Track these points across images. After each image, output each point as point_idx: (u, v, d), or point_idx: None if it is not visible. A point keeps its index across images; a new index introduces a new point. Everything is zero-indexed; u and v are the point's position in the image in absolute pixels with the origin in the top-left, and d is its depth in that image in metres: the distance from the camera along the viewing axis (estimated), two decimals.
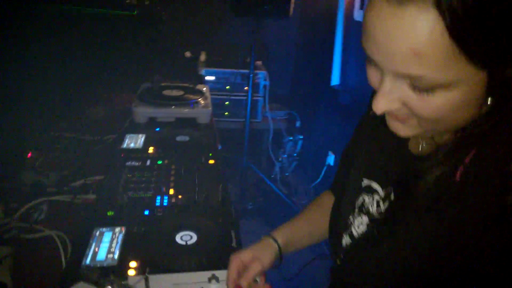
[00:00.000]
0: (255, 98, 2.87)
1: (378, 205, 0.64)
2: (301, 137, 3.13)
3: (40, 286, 0.85)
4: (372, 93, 0.69)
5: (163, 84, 1.91)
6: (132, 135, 1.52)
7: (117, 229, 0.96)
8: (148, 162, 1.31)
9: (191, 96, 1.76)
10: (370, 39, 0.45)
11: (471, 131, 0.49)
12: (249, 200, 2.92)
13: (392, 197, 0.61)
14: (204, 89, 1.92)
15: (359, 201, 0.67)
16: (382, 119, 0.55)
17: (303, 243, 0.84)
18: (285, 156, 3.17)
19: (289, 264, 0.79)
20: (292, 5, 2.03)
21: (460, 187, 0.49)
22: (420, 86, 0.45)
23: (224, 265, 0.85)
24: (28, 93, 1.45)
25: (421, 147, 0.59)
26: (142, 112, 1.64)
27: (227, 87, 2.90)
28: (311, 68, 3.16)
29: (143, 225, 0.98)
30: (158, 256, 0.88)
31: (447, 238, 0.51)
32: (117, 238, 0.93)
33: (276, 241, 0.79)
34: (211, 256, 0.89)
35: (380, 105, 0.49)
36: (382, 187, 0.64)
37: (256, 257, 0.75)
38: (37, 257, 0.90)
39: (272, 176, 3.18)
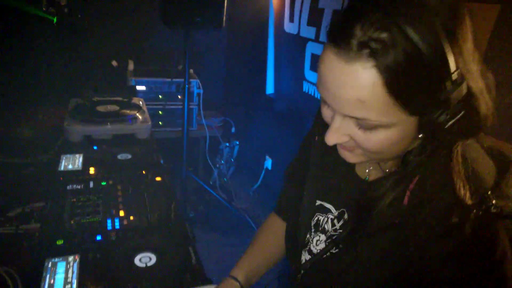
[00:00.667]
0: (189, 106, 2.87)
1: (333, 224, 0.72)
2: (237, 142, 3.20)
3: None
4: (315, 118, 0.77)
5: (95, 99, 1.84)
6: (68, 155, 1.45)
7: (71, 258, 0.93)
8: (91, 184, 1.27)
9: (128, 112, 1.73)
10: (323, 86, 0.54)
11: (411, 160, 0.58)
12: (190, 209, 2.92)
13: (346, 216, 0.69)
14: (141, 102, 1.89)
15: (313, 220, 0.75)
16: (331, 146, 0.63)
17: (262, 272, 0.88)
18: (223, 162, 3.21)
19: None
20: (224, 17, 2.08)
21: (408, 209, 0.59)
22: (364, 126, 0.55)
23: (186, 284, 0.88)
24: None
25: (368, 172, 0.69)
26: (77, 131, 1.57)
27: (160, 96, 2.87)
28: (245, 77, 3.24)
29: (98, 251, 0.96)
30: (119, 282, 0.87)
31: (400, 254, 0.59)
32: (72, 267, 0.90)
33: (237, 279, 0.82)
34: (172, 275, 0.91)
35: (331, 139, 0.58)
36: (335, 207, 0.72)
37: None
38: None
39: (211, 183, 3.20)
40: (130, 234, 1.05)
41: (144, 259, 0.95)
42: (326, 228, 0.72)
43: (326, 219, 0.73)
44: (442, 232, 0.55)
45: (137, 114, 1.72)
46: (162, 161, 1.60)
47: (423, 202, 0.57)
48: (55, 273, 0.88)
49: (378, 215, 0.61)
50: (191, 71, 3.02)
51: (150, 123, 1.70)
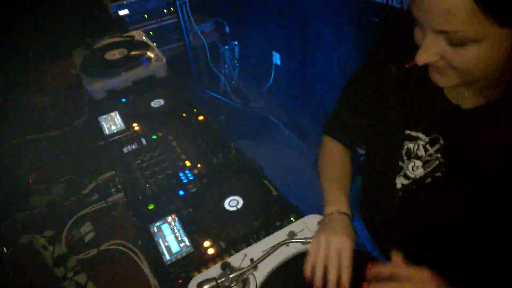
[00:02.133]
0: (176, 20, 2.72)
1: (426, 149, 0.75)
2: (236, 43, 3.09)
3: None
4: (383, 48, 0.76)
5: (96, 46, 1.75)
6: (104, 116, 1.46)
7: (169, 219, 1.03)
8: (144, 141, 1.31)
9: (138, 52, 1.66)
10: (416, 2, 0.55)
11: None
12: (213, 121, 2.99)
13: (442, 142, 0.72)
14: (144, 37, 1.80)
15: (404, 149, 0.78)
16: (414, 74, 0.63)
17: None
18: (226, 66, 3.16)
19: None
20: None
21: None
22: (454, 41, 0.55)
23: (278, 214, 0.99)
24: None
25: (460, 97, 0.69)
26: (100, 88, 1.55)
27: (146, 15, 2.68)
28: None
29: (188, 205, 1.06)
30: (221, 228, 0.98)
31: (504, 191, 0.62)
32: (175, 226, 1.01)
33: (348, 215, 0.81)
34: (264, 210, 1.01)
35: (422, 57, 0.59)
36: (425, 133, 0.74)
37: (342, 248, 0.72)
38: (115, 270, 0.97)
39: (221, 89, 3.21)
40: (206, 182, 1.13)
41: (233, 203, 1.05)
42: (419, 154, 0.76)
43: (417, 146, 0.76)
44: None
45: (148, 53, 1.66)
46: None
47: None
48: (164, 236, 0.99)
49: (481, 147, 0.63)
50: None
51: (164, 59, 1.65)
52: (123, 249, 0.98)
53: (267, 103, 3.09)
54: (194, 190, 1.11)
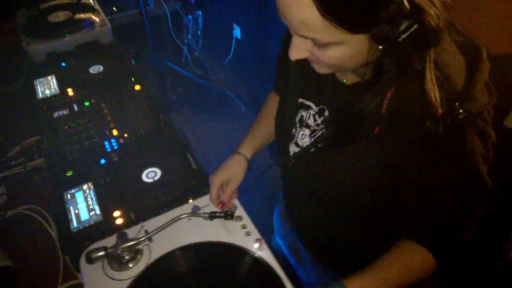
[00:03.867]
0: None
1: (314, 119, 0.81)
2: (200, 13, 3.03)
3: (40, 257, 0.95)
4: None
5: (41, 6, 1.69)
6: (40, 79, 1.43)
7: (85, 187, 1.04)
8: (76, 107, 1.30)
9: (83, 16, 1.62)
10: (278, 9, 0.58)
11: (386, 68, 0.61)
12: (170, 93, 2.97)
13: (326, 114, 0.78)
14: (92, 1, 1.74)
15: (298, 116, 0.84)
16: None
17: (264, 146, 1.01)
18: (190, 36, 3.10)
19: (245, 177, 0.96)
20: None
21: (388, 118, 0.66)
22: (318, 44, 0.60)
23: (192, 189, 1.02)
24: None
25: (345, 75, 0.75)
26: (39, 50, 1.51)
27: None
28: None
29: (106, 174, 1.07)
30: (133, 198, 1.00)
31: (381, 163, 0.69)
32: (89, 195, 1.02)
33: (244, 156, 0.95)
34: (180, 184, 1.04)
35: (292, 55, 0.64)
36: (315, 104, 0.80)
37: (231, 176, 0.92)
38: (23, 235, 0.98)
39: (183, 60, 3.16)
40: (129, 151, 1.14)
41: (151, 175, 1.06)
42: (309, 123, 0.82)
43: (308, 115, 0.82)
44: (418, 140, 0.63)
45: (93, 17, 1.62)
46: (133, 62, 1.58)
47: (400, 111, 0.64)
48: (76, 203, 1.00)
49: (359, 118, 0.68)
50: None
51: (109, 24, 1.61)
52: (32, 214, 0.99)
53: (227, 77, 3.08)
54: (116, 159, 1.12)
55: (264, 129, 1.01)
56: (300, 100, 0.84)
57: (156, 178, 1.06)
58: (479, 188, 0.67)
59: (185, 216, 0.84)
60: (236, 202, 0.93)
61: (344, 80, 0.75)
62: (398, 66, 0.61)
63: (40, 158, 1.15)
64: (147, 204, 0.99)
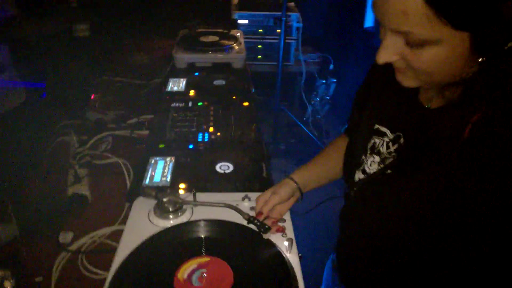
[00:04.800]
0: (287, 41, 2.92)
1: (388, 147, 0.75)
2: (334, 80, 3.19)
3: (111, 199, 1.08)
4: None
5: (199, 30, 2.03)
6: (174, 79, 1.69)
7: (168, 159, 1.16)
8: (190, 104, 1.49)
9: (226, 42, 1.89)
10: (375, 3, 0.57)
11: (475, 88, 0.57)
12: (281, 141, 3.10)
13: (402, 140, 0.72)
14: (238, 34, 2.02)
15: (370, 143, 0.78)
16: (393, 70, 0.65)
17: (321, 182, 0.96)
18: (318, 99, 3.26)
19: (306, 203, 0.92)
20: None
21: (468, 143, 0.58)
22: (412, 42, 0.56)
23: (255, 189, 1.04)
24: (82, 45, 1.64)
25: (430, 99, 0.69)
26: (182, 58, 1.79)
27: (260, 30, 2.97)
28: (343, 9, 3.13)
29: (189, 156, 1.18)
30: (202, 180, 1.08)
31: (453, 191, 0.60)
32: (169, 165, 1.13)
33: (294, 180, 0.91)
34: (244, 182, 1.08)
35: (381, 57, 0.61)
36: (391, 131, 0.75)
37: (274, 192, 0.87)
38: (106, 178, 1.13)
39: (305, 119, 3.31)
40: (215, 146, 1.24)
41: (223, 167, 1.13)
42: (381, 151, 0.76)
43: (382, 142, 0.76)
44: (501, 170, 0.54)
45: (234, 45, 1.87)
46: (253, 90, 1.75)
47: (485, 137, 0.56)
48: (156, 168, 1.12)
49: (435, 144, 0.62)
50: (292, 4, 3.03)
51: (244, 53, 1.84)
52: (120, 163, 1.14)
53: None
54: (201, 148, 1.23)
55: (322, 164, 0.96)
56: (376, 126, 0.78)
57: (227, 171, 1.12)
58: None
59: (228, 207, 0.85)
60: (288, 223, 0.88)
61: (429, 106, 0.69)
62: (492, 87, 0.55)
63: (146, 130, 1.33)
64: (209, 187, 1.05)
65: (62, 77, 1.45)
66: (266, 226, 0.79)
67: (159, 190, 0.87)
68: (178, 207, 0.85)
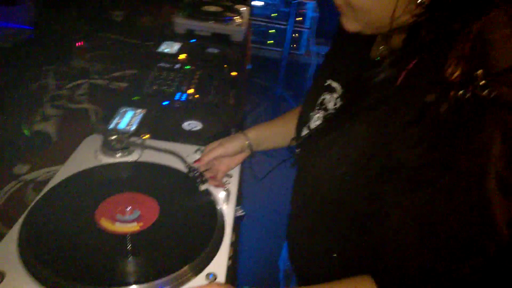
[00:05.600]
0: (300, 29, 2.88)
1: (335, 103, 0.73)
2: None
3: (75, 141, 1.07)
4: None
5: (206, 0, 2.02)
6: (168, 42, 1.67)
7: (139, 110, 1.15)
8: (177, 66, 1.47)
9: (228, 14, 1.86)
10: None
11: (415, 33, 0.54)
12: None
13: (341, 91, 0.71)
14: (244, 9, 2.00)
15: (320, 99, 0.77)
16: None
17: (276, 143, 0.94)
18: None
19: (262, 166, 0.90)
20: None
21: (398, 90, 0.56)
22: None
23: None
24: None
25: (378, 52, 0.66)
26: (181, 24, 1.78)
27: (274, 14, 2.93)
28: None
29: (160, 112, 1.17)
30: (166, 134, 1.06)
31: (378, 136, 0.58)
32: (137, 116, 1.12)
33: (246, 136, 0.89)
34: (208, 142, 1.05)
35: None
36: (342, 86, 0.73)
37: (221, 144, 0.86)
38: (75, 122, 1.12)
39: None
40: (189, 106, 1.22)
41: (192, 125, 1.11)
42: (328, 107, 0.74)
43: (330, 97, 0.74)
44: (416, 112, 0.52)
45: (236, 18, 1.84)
46: (250, 66, 1.73)
47: (415, 83, 0.54)
48: (123, 117, 1.11)
49: (369, 94, 0.60)
50: None
51: (244, 27, 1.81)
52: (90, 107, 1.14)
53: None
54: (176, 106, 1.21)
55: (280, 126, 0.94)
56: (328, 82, 0.76)
57: (193, 129, 1.10)
58: (482, 223, 0.51)
59: (173, 154, 0.84)
60: (234, 178, 0.87)
61: (378, 59, 0.66)
62: (436, 31, 0.51)
63: (124, 83, 1.32)
64: (171, 141, 1.03)
65: (52, 23, 1.45)
66: (204, 178, 0.77)
67: (111, 129, 0.85)
68: (124, 146, 0.83)
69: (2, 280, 0.55)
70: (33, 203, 0.69)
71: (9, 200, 0.90)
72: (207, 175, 0.80)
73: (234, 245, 0.80)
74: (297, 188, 0.84)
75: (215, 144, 0.85)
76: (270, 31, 2.96)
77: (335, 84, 0.75)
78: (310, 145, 0.74)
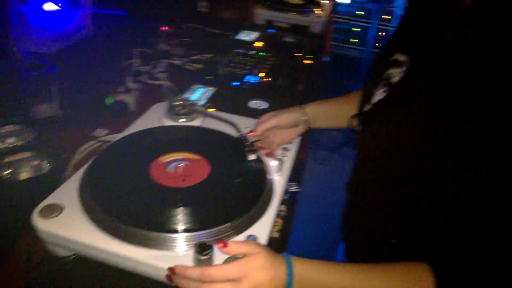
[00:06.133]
0: (387, 27, 2.75)
1: (401, 78, 0.66)
2: None
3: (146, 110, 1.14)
4: None
5: None
6: (247, 31, 1.71)
7: (210, 88, 1.19)
8: (252, 52, 1.50)
9: (308, 5, 1.84)
10: None
11: None
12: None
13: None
14: (326, 2, 1.96)
15: (385, 75, 0.69)
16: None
17: (336, 120, 0.88)
18: None
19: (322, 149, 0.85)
20: None
21: (468, 52, 0.50)
22: None
23: None
24: None
25: (451, 13, 0.58)
26: (261, 14, 1.81)
27: (359, 12, 2.84)
28: None
29: (230, 91, 1.20)
30: (232, 110, 1.07)
31: (446, 103, 0.52)
32: (207, 93, 1.16)
33: (303, 109, 0.85)
34: None
35: None
36: (410, 58, 0.65)
37: (276, 115, 0.84)
38: (152, 96, 1.20)
39: None
40: (258, 89, 1.23)
41: (257, 104, 1.12)
42: (393, 81, 0.67)
43: (396, 72, 0.67)
44: (489, 76, 0.46)
45: (315, 10, 1.82)
46: (327, 59, 1.69)
47: (488, 44, 0.48)
48: (194, 92, 1.15)
49: (436, 58, 0.54)
50: None
51: (323, 19, 1.78)
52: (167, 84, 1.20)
53: None
54: (246, 87, 1.23)
55: (341, 103, 0.88)
56: (395, 56, 0.68)
57: (258, 108, 1.10)
58: None
59: (231, 124, 0.85)
60: (291, 152, 0.83)
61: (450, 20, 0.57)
62: None
63: (200, 64, 1.38)
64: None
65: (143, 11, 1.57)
66: (254, 148, 0.76)
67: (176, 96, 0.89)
68: (188, 112, 0.86)
69: (60, 213, 0.60)
70: (99, 153, 0.74)
71: (87, 156, 0.99)
72: (260, 145, 0.79)
73: (285, 219, 0.78)
74: (357, 171, 0.79)
75: (269, 114, 0.84)
76: (354, 29, 2.86)
77: (402, 58, 0.67)
78: (372, 119, 0.69)
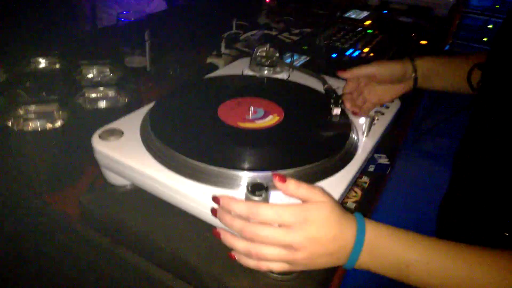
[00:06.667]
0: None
1: None
2: None
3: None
4: None
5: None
6: (358, 11, 1.57)
7: (303, 57, 1.10)
8: (359, 29, 1.36)
9: None
10: None
11: None
12: None
13: None
14: None
15: None
16: None
17: (452, 82, 0.71)
18: None
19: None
20: None
21: None
22: None
23: None
24: None
25: None
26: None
27: (497, 6, 2.44)
28: None
29: (325, 61, 1.08)
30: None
31: None
32: (299, 61, 1.07)
33: (413, 63, 0.69)
34: None
35: None
36: None
37: (377, 63, 0.69)
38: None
39: None
40: (357, 62, 1.08)
41: None
42: None
43: None
44: None
45: None
46: (447, 47, 1.46)
47: None
48: (285, 59, 1.07)
49: None
50: None
51: (452, 1, 1.54)
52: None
53: None
54: (344, 59, 1.11)
55: (457, 62, 0.70)
56: None
57: None
58: None
59: (319, 78, 0.74)
60: (386, 116, 0.69)
61: None
62: None
63: (296, 37, 1.30)
64: None
65: None
66: (340, 101, 0.63)
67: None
68: (272, 64, 0.78)
69: (119, 138, 0.58)
70: (172, 89, 0.71)
71: None
72: (350, 103, 0.67)
73: (366, 192, 0.65)
74: (468, 139, 0.62)
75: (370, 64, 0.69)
76: (488, 26, 2.47)
77: None
78: (496, 81, 0.53)
